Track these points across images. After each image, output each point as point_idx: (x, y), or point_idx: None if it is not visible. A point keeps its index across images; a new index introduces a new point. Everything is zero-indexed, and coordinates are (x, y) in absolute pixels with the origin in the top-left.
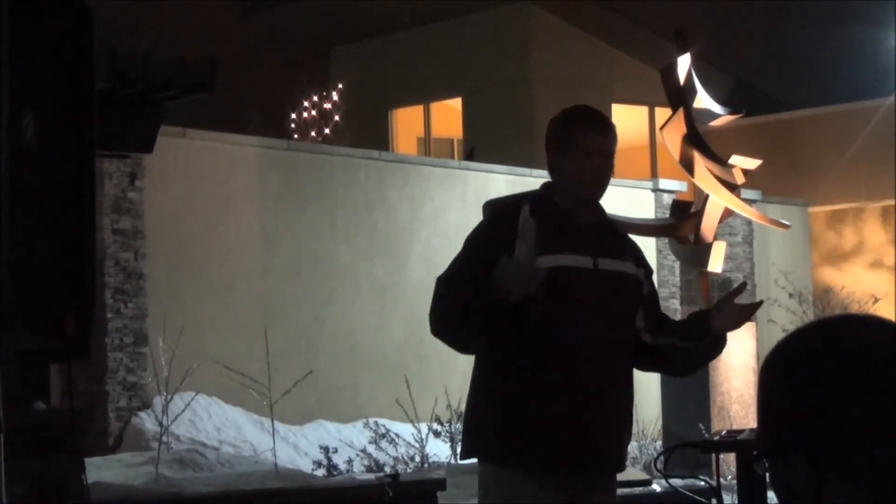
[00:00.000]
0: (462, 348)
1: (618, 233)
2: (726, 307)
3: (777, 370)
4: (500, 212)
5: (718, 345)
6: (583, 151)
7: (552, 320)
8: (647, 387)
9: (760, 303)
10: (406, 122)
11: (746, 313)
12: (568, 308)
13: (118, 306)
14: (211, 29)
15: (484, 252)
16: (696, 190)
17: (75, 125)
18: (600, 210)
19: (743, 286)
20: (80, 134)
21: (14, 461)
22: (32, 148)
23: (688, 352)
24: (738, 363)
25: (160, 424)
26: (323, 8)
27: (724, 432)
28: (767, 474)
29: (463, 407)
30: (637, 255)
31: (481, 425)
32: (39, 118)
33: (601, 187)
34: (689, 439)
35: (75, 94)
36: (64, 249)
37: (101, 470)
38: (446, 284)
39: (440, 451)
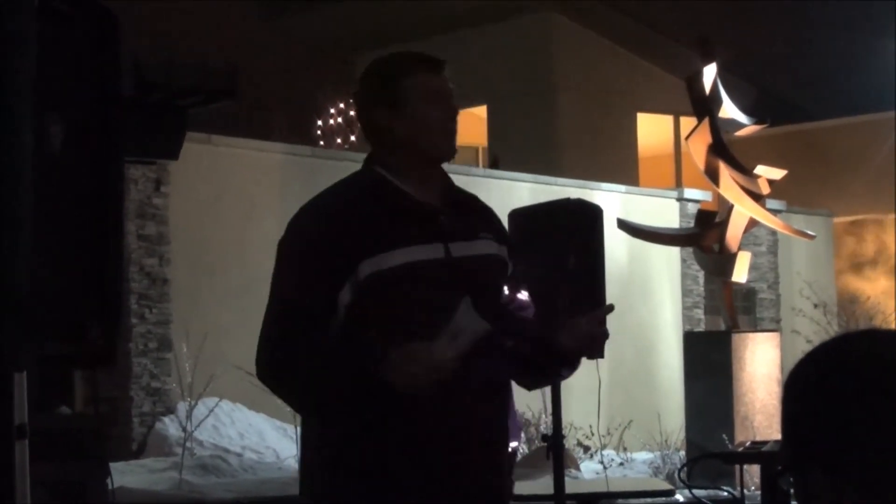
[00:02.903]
0: (296, 409)
1: (469, 202)
2: (578, 326)
3: (799, 384)
4: (326, 204)
5: (556, 366)
6: (419, 98)
7: (403, 337)
8: (670, 396)
9: (605, 336)
10: None
11: (593, 343)
12: (419, 317)
13: (143, 312)
14: (235, 36)
15: (324, 267)
16: (720, 199)
17: (103, 133)
18: (444, 177)
19: (609, 309)
20: (107, 141)
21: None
22: (59, 156)
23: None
24: (761, 373)
25: (184, 430)
26: (346, 15)
27: (748, 443)
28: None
29: None
30: (498, 227)
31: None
32: (67, 126)
33: (453, 141)
34: (712, 450)
35: (102, 101)
36: (92, 257)
37: (124, 475)
38: (292, 326)
39: None
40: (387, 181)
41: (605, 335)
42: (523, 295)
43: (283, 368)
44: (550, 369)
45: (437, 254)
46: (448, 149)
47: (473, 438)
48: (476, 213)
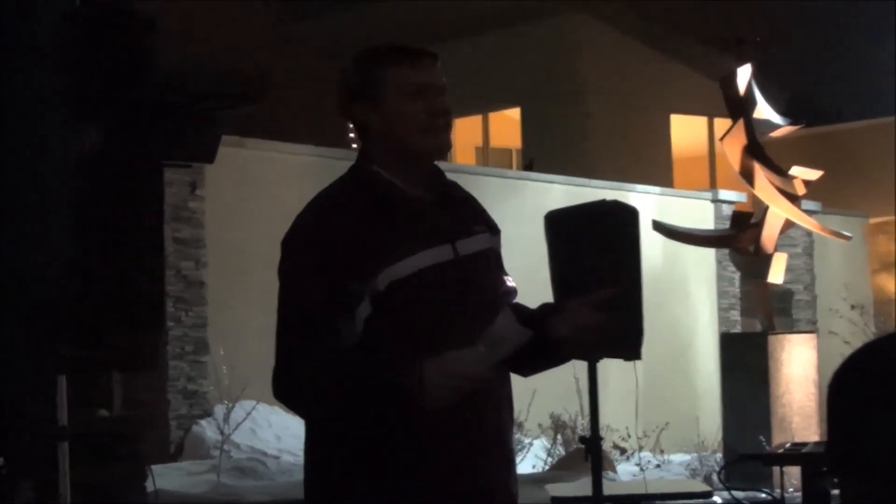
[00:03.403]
0: (313, 417)
1: (456, 194)
2: (572, 312)
3: (836, 388)
4: (337, 211)
5: (549, 353)
6: (399, 92)
7: (424, 344)
8: (707, 398)
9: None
10: (464, 132)
11: (586, 332)
12: (438, 322)
13: (179, 315)
14: (266, 38)
15: (341, 277)
16: (756, 201)
17: (138, 136)
18: (438, 172)
19: (611, 293)
20: (144, 144)
21: (77, 469)
22: (96, 159)
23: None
24: (798, 375)
25: (221, 433)
26: (377, 17)
27: (787, 445)
28: (836, 490)
29: (518, 416)
30: (486, 217)
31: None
32: (103, 130)
33: (441, 136)
34: (750, 451)
35: (137, 105)
36: (131, 260)
37: (162, 478)
38: (314, 340)
39: None
40: (387, 182)
41: (641, 332)
42: (510, 280)
43: (310, 385)
44: (544, 357)
45: (447, 255)
46: (433, 145)
47: (490, 437)
48: (464, 205)
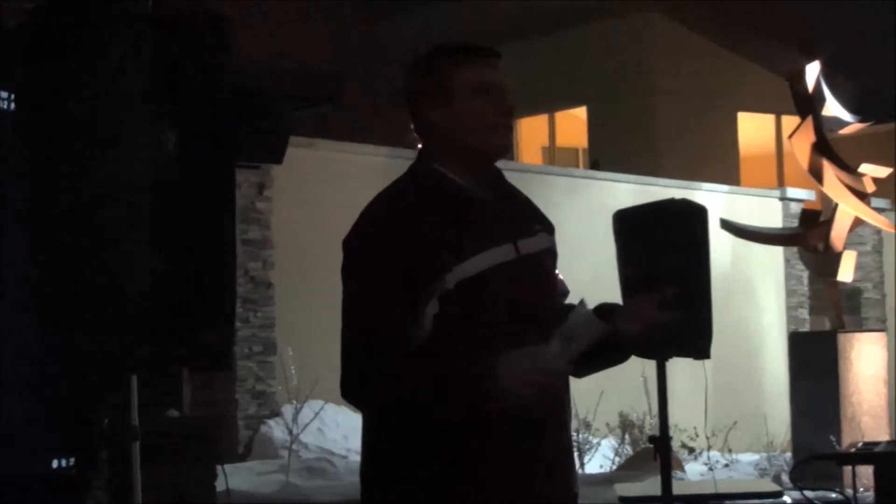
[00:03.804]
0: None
1: (521, 196)
2: (637, 308)
3: None
4: (402, 210)
5: (608, 353)
6: (467, 90)
7: (491, 348)
8: (775, 397)
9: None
10: (530, 132)
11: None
12: (503, 321)
13: (247, 315)
14: (337, 39)
15: (409, 276)
16: (824, 198)
17: (215, 138)
18: (498, 172)
19: (678, 291)
20: (218, 147)
21: (148, 468)
22: (173, 161)
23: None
24: (868, 374)
25: (289, 433)
26: (445, 17)
27: (859, 444)
28: None
29: (586, 415)
30: (542, 217)
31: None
32: (180, 131)
33: (505, 137)
34: (820, 451)
35: (215, 106)
36: (206, 262)
37: (231, 478)
38: (386, 340)
39: None
40: (451, 181)
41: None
42: (562, 281)
43: (380, 387)
44: (602, 357)
45: (511, 254)
46: (497, 145)
47: (553, 436)
48: (523, 205)
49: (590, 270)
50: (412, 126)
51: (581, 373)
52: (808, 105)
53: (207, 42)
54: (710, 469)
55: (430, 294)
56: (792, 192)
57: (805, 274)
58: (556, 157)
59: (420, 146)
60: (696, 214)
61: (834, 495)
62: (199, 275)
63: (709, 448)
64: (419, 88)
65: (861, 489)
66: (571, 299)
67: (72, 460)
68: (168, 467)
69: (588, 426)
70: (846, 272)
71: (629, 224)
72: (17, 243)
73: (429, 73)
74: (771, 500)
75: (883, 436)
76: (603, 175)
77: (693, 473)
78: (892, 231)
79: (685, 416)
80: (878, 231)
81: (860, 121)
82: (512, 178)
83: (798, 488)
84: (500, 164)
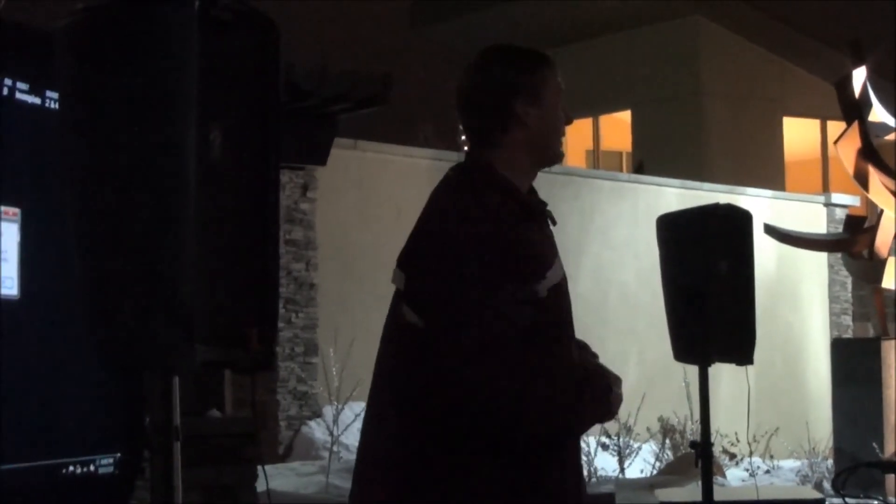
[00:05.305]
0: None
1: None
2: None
3: None
4: (502, 219)
5: None
6: (554, 93)
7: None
8: (818, 403)
9: None
10: (575, 135)
11: None
12: (570, 331)
13: (290, 316)
14: (383, 42)
15: (524, 285)
16: (870, 204)
17: (261, 140)
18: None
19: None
20: (265, 148)
21: (189, 469)
22: (219, 163)
23: None
24: None
25: (330, 434)
26: (491, 22)
27: None
28: None
29: (627, 419)
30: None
31: None
32: (226, 133)
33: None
34: (862, 458)
35: (261, 108)
36: (249, 263)
37: (272, 478)
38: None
39: (607, 464)
40: (518, 188)
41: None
42: None
43: (580, 411)
44: None
45: (562, 264)
46: (560, 152)
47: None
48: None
49: (635, 273)
50: (476, 123)
51: None
52: (854, 110)
53: (256, 43)
54: (752, 475)
55: (536, 303)
56: (837, 197)
57: (849, 280)
58: (600, 160)
59: (468, 148)
60: (740, 219)
61: (876, 503)
62: (243, 275)
63: (750, 454)
64: (514, 81)
65: None
66: (620, 302)
67: (118, 456)
68: (210, 467)
69: (629, 430)
70: (891, 279)
71: (673, 229)
72: (67, 245)
73: (523, 69)
74: None
75: None
76: (648, 179)
77: (734, 479)
78: None
79: (727, 422)
80: None
81: None
82: (557, 181)
83: (840, 496)
84: (547, 168)
